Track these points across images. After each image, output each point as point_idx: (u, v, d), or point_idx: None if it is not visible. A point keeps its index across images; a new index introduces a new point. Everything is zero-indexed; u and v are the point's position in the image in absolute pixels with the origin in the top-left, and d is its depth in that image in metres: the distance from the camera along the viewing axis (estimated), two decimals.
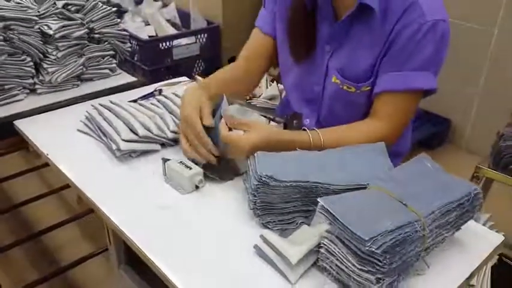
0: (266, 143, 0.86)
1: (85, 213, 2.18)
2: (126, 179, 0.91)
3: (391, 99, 0.95)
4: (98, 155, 0.99)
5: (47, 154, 0.99)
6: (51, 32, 1.16)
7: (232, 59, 2.94)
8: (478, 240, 0.78)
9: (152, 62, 2.56)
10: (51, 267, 1.94)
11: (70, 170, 0.94)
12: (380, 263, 0.61)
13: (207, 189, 0.88)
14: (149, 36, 2.73)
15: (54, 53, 1.20)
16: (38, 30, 1.18)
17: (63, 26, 1.19)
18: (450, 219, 0.70)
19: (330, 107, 1.05)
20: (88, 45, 1.27)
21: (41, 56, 1.20)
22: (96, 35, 1.27)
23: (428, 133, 2.67)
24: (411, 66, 0.93)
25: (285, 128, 1.02)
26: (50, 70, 1.20)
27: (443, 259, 0.74)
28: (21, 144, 2.76)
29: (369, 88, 0.98)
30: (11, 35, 1.12)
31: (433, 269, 0.72)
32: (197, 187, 0.88)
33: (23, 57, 1.16)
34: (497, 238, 0.79)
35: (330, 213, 0.66)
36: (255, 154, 0.82)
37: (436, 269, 0.72)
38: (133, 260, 1.38)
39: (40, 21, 1.18)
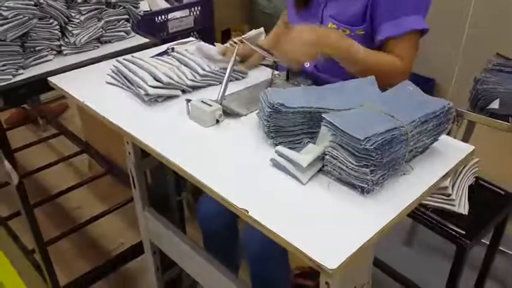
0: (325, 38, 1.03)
1: (96, 176, 2.35)
2: (157, 119, 1.06)
3: (395, 43, 1.12)
4: (127, 101, 1.13)
5: (84, 101, 1.13)
6: None
7: (225, 31, 3.06)
8: (453, 150, 0.95)
9: (150, 35, 2.68)
10: (69, 225, 2.11)
11: (106, 113, 1.09)
12: (373, 158, 0.78)
13: (226, 123, 1.04)
14: (144, 11, 2.83)
15: (77, 16, 1.34)
16: None
17: None
18: (429, 128, 0.87)
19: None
20: (106, 10, 1.41)
21: (66, 19, 1.34)
22: (112, 0, 1.41)
23: None
24: (404, 12, 1.09)
25: (288, 71, 1.19)
26: (74, 32, 1.34)
27: (424, 163, 0.90)
28: (28, 118, 2.90)
29: (363, 32, 1.14)
30: (41, 1, 1.25)
31: (416, 171, 0.88)
32: (217, 121, 1.04)
33: (50, 21, 1.30)
34: (468, 147, 0.96)
35: (332, 124, 0.82)
36: (266, 89, 0.98)
37: (418, 171, 0.88)
38: (153, 201, 1.54)
39: None
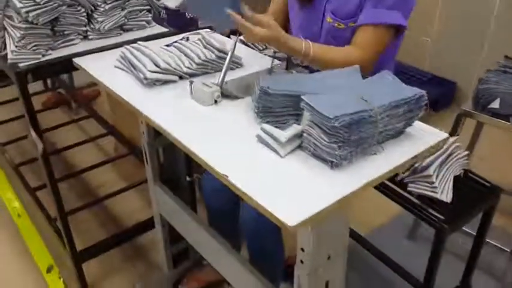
0: (275, 41, 1.14)
1: (119, 156, 2.51)
2: (161, 99, 1.17)
3: (366, 31, 1.20)
4: (137, 82, 1.26)
5: (102, 81, 1.26)
6: None
7: None
8: (427, 136, 1.02)
9: (180, 30, 2.82)
10: (92, 198, 2.28)
11: (120, 91, 1.21)
12: (341, 135, 0.87)
13: (223, 103, 1.15)
14: (176, 6, 2.97)
15: (103, 5, 1.48)
16: None
17: None
18: (399, 113, 0.95)
19: (326, 43, 1.31)
20: (129, 0, 1.55)
21: (92, 8, 1.48)
22: None
23: (435, 96, 2.86)
24: (385, 5, 1.18)
25: (287, 62, 1.30)
26: (99, 20, 1.49)
27: (396, 146, 0.98)
28: (63, 102, 3.11)
29: (354, 24, 1.24)
30: None
31: (386, 151, 0.97)
32: (216, 101, 1.15)
33: (78, 8, 1.45)
34: (443, 134, 1.04)
35: (309, 104, 0.92)
36: (260, 74, 1.09)
37: (389, 152, 0.97)
38: (165, 179, 1.67)
39: None
